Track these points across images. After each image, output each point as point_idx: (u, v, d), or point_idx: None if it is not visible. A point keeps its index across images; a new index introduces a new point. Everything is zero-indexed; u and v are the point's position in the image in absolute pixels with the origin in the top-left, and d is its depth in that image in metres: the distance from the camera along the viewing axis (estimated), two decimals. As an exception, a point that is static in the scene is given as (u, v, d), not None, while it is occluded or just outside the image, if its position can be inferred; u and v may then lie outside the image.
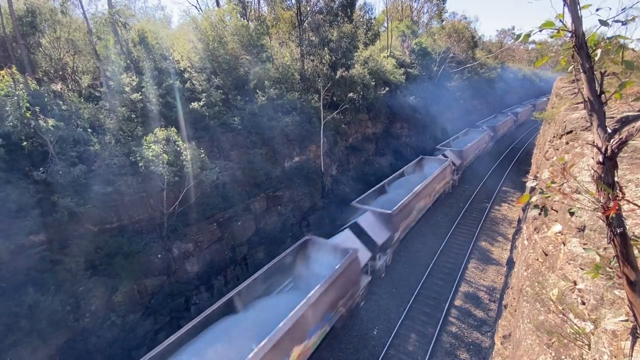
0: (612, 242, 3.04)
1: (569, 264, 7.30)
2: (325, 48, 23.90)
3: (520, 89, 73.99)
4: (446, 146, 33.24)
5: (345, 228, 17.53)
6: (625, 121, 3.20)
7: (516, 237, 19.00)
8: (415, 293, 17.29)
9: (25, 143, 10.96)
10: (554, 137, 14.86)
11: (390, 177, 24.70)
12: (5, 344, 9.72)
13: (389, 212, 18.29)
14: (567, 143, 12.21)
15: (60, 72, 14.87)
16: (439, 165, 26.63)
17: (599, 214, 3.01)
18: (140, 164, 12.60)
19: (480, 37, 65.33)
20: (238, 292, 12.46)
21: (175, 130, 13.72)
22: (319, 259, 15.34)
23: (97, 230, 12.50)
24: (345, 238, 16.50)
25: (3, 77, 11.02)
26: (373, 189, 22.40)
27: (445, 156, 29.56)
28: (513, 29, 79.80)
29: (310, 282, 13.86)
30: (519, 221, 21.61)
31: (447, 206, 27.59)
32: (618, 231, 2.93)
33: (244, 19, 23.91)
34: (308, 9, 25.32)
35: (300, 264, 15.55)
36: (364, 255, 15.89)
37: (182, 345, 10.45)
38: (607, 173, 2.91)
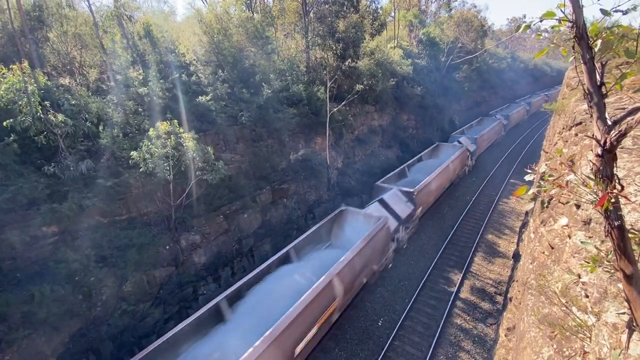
0: (609, 235, 3.03)
1: (574, 257, 7.24)
2: (330, 39, 23.62)
3: (531, 79, 72.37)
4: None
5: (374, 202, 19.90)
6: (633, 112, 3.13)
7: (523, 230, 18.84)
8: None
9: (37, 138, 11.17)
10: (563, 128, 14.56)
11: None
12: (20, 332, 10.03)
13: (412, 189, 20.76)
14: (576, 135, 11.96)
15: (68, 67, 15.04)
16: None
17: (597, 207, 2.98)
18: (138, 161, 12.69)
19: (490, 26, 63.85)
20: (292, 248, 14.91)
21: (177, 123, 13.53)
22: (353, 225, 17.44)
23: (106, 222, 12.77)
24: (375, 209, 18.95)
25: (15, 71, 11.19)
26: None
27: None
28: (524, 17, 77.71)
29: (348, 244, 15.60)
30: (527, 214, 21.42)
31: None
32: (615, 224, 2.91)
33: (249, 10, 23.75)
34: (314, -1, 25.00)
35: (337, 230, 17.65)
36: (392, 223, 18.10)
37: (249, 288, 12.81)
38: (606, 166, 2.88)
